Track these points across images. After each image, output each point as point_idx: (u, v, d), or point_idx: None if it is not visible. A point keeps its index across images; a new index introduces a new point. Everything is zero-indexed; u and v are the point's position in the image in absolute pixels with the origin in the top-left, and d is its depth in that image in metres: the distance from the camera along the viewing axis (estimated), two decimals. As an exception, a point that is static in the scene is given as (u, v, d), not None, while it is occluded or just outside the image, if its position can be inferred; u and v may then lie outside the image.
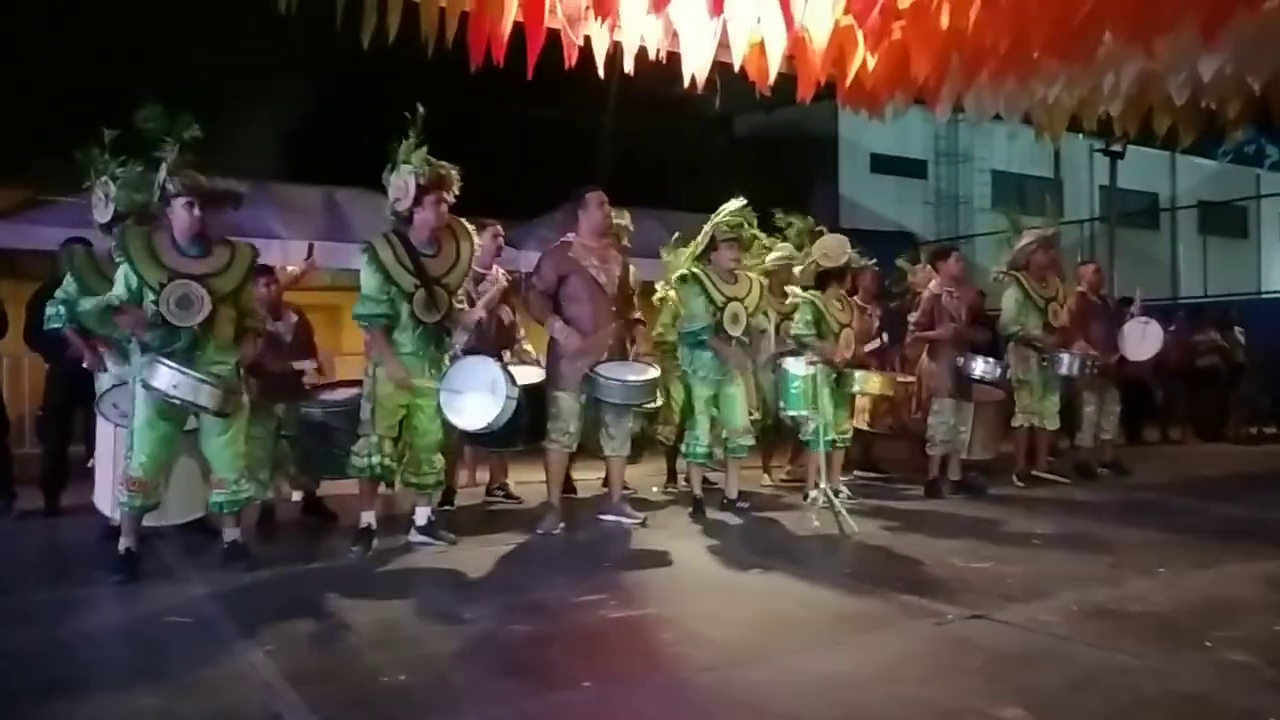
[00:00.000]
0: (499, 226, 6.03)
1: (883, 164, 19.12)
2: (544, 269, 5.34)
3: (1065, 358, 6.82)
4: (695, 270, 5.64)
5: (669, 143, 14.64)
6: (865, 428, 7.16)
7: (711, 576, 4.35)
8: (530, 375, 5.34)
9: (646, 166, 14.18)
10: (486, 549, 4.81)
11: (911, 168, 19.53)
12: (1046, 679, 2.86)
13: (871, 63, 7.25)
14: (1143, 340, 7.37)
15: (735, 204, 5.77)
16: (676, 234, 6.12)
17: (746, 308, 5.67)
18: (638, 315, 5.77)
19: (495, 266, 5.90)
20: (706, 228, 5.75)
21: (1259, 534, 5.11)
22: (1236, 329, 10.92)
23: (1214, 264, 21.55)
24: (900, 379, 6.47)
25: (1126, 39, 6.64)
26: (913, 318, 6.58)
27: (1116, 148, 10.82)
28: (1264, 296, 16.13)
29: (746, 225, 5.82)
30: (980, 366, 6.34)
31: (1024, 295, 6.93)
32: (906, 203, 19.09)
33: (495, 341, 5.74)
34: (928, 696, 2.76)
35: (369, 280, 4.64)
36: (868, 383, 5.91)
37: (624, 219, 6.01)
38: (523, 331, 6.16)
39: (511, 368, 4.88)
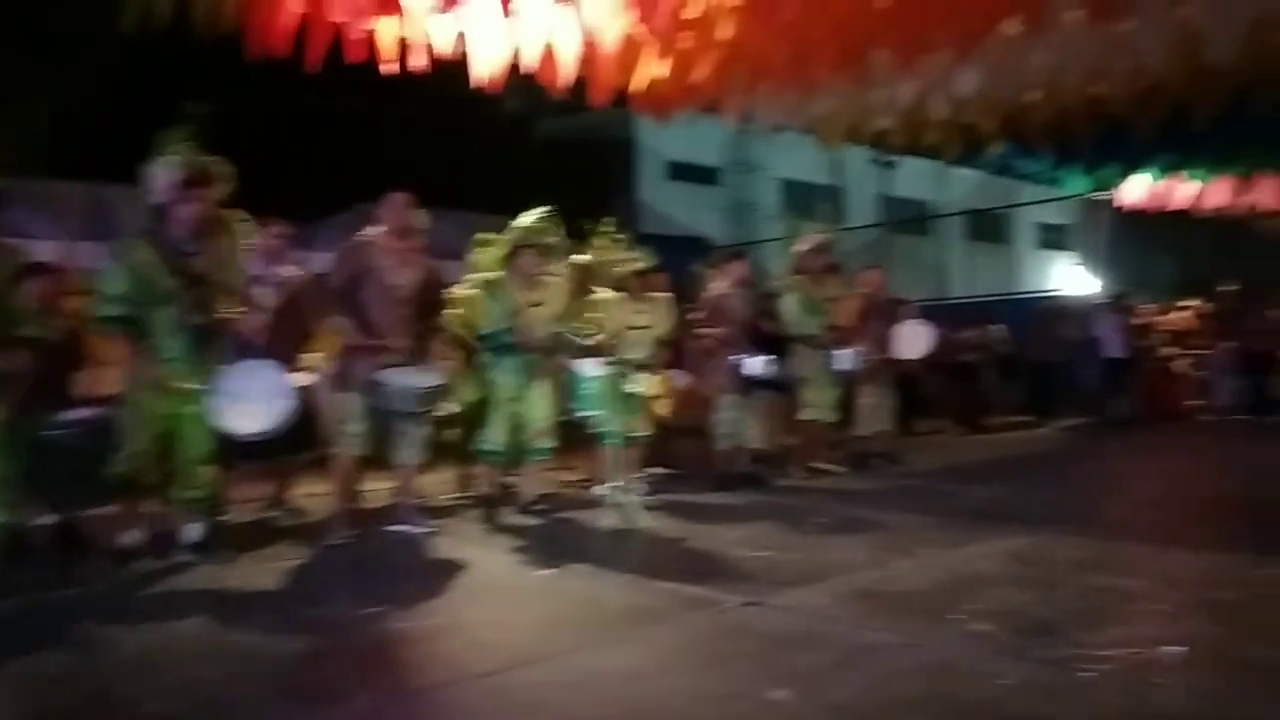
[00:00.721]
0: (282, 226, 5.76)
1: (679, 171, 19.65)
2: (337, 267, 5.16)
3: (844, 355, 7.25)
4: (495, 276, 5.62)
5: (469, 143, 14.47)
6: (667, 424, 7.35)
7: (499, 580, 4.32)
8: (311, 380, 5.13)
9: (446, 166, 13.95)
10: (265, 565, 4.57)
11: (706, 175, 20.16)
12: (813, 659, 3.01)
13: (661, 70, 7.46)
14: (915, 340, 7.94)
15: (539, 211, 5.79)
16: (478, 236, 6.05)
17: (549, 315, 5.70)
18: (439, 321, 5.63)
19: (282, 267, 5.64)
20: (510, 234, 5.74)
21: (1006, 513, 5.58)
22: (995, 326, 11.96)
23: (978, 267, 23.49)
24: (684, 379, 6.67)
25: (896, 56, 7.16)
26: (699, 316, 6.83)
27: (888, 159, 11.57)
28: (1019, 296, 17.71)
29: (550, 232, 5.82)
30: (758, 365, 6.63)
31: (803, 298, 7.30)
32: (701, 209, 19.67)
33: (282, 345, 5.45)
34: (702, 685, 2.85)
35: (115, 281, 4.33)
36: (641, 384, 6.03)
37: (421, 219, 5.88)
38: (315, 334, 5.90)
39: (297, 372, 4.68)
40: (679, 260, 8.69)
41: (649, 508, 5.78)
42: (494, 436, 5.68)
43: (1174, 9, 6.20)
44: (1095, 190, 12.82)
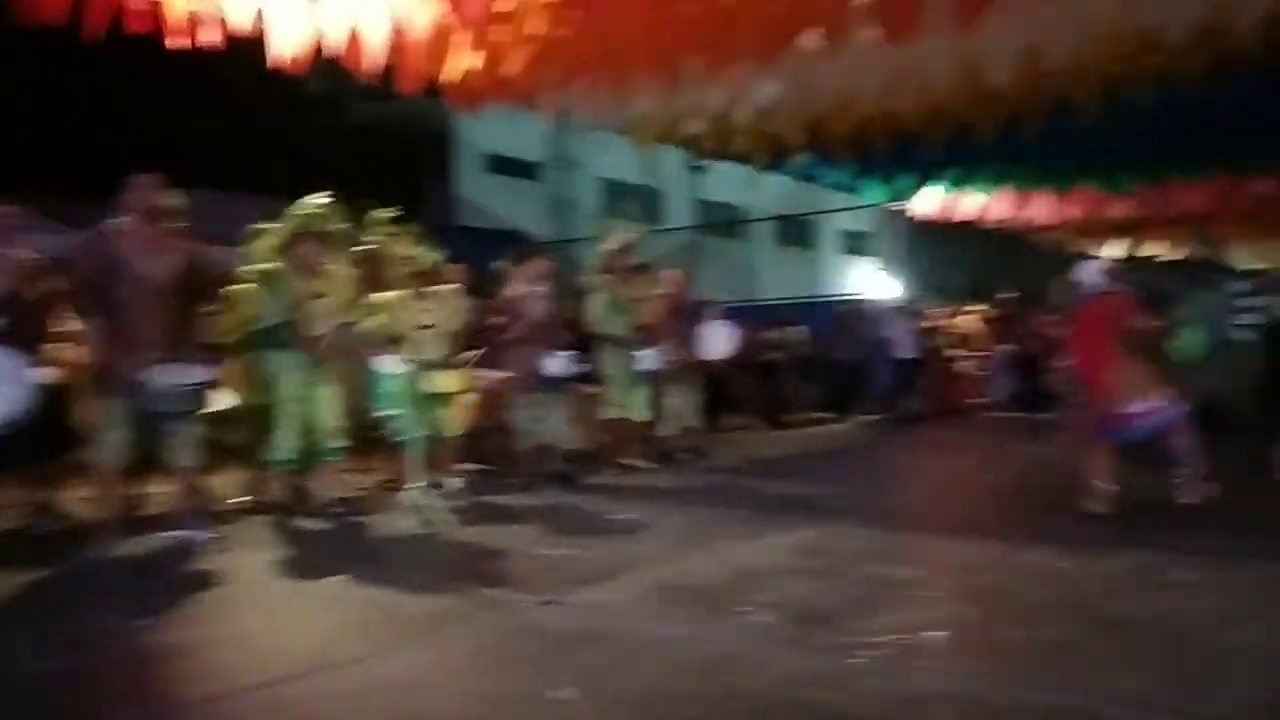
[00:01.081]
0: (8, 206, 5.19)
1: (498, 165, 19.43)
2: (78, 261, 4.72)
3: (648, 354, 7.36)
4: (273, 266, 5.33)
5: (272, 125, 13.77)
6: (473, 424, 7.24)
7: (284, 588, 4.13)
8: (58, 374, 4.70)
9: (247, 149, 13.25)
10: (19, 579, 4.18)
11: (525, 170, 20.04)
12: (601, 656, 3.03)
13: (473, 62, 7.33)
14: (718, 340, 8.16)
15: (319, 197, 5.53)
16: (259, 223, 5.71)
17: (332, 306, 5.45)
18: (206, 309, 5.22)
19: (12, 249, 5.07)
20: (287, 222, 5.45)
21: (800, 506, 5.82)
22: (796, 328, 12.48)
23: (786, 271, 24.45)
24: (486, 377, 6.57)
25: (704, 62, 7.31)
26: (498, 317, 6.77)
27: (700, 163, 11.87)
28: (823, 299, 18.57)
29: (331, 220, 5.57)
30: (556, 364, 6.62)
31: (609, 297, 7.37)
32: (521, 204, 19.56)
33: (16, 332, 4.93)
34: (488, 688, 2.82)
35: None
36: (439, 381, 5.90)
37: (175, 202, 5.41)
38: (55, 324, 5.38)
39: (37, 362, 4.27)
40: (496, 255, 8.59)
41: (452, 509, 5.67)
42: (281, 442, 5.40)
43: (958, 35, 6.61)
44: (892, 200, 13.57)
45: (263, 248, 5.47)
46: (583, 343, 7.47)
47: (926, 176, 11.35)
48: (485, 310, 7.13)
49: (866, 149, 10.04)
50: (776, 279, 23.31)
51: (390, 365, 5.52)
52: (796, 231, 25.80)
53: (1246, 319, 10.32)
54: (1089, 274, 5.53)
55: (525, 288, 6.74)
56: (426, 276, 5.89)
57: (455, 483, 6.20)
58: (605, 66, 7.53)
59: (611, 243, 7.58)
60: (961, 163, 10.66)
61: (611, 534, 5.07)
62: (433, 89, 7.53)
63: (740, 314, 12.46)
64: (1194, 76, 7.71)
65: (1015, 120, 8.85)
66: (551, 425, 6.84)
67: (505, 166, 19.56)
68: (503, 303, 6.87)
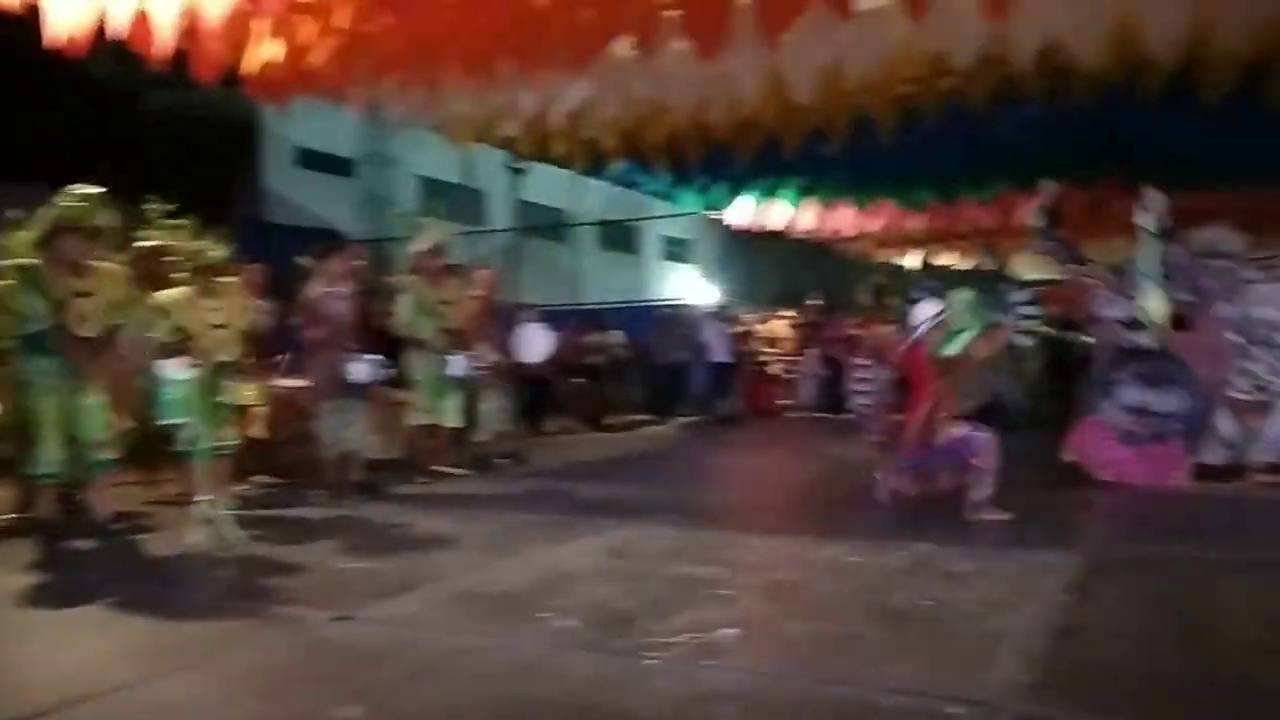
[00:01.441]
0: None
1: (310, 159, 18.65)
2: None
3: (457, 359, 7.20)
4: (30, 263, 4.89)
5: (54, 111, 12.71)
6: (265, 434, 6.90)
7: (52, 612, 3.78)
8: None
9: (28, 136, 12.15)
10: None
11: (339, 166, 19.34)
12: (394, 671, 2.93)
13: (275, 53, 6.99)
14: (535, 344, 8.10)
15: (84, 187, 5.11)
16: (10, 216, 5.20)
17: (99, 306, 5.05)
18: None
19: None
20: (47, 214, 5.01)
21: (613, 508, 5.84)
22: (615, 331, 12.61)
23: (611, 276, 24.66)
24: (283, 384, 6.28)
25: (517, 64, 7.25)
26: (297, 320, 6.48)
27: (519, 165, 11.78)
28: (644, 304, 18.86)
29: (96, 213, 5.15)
30: (360, 369, 6.38)
31: (417, 299, 7.18)
32: (335, 201, 18.83)
33: None
34: (269, 711, 2.67)
35: None
36: (236, 392, 5.59)
37: None
38: None
39: None
40: (307, 254, 8.19)
41: (247, 523, 5.37)
42: (45, 454, 4.95)
43: (764, 51, 6.82)
44: (708, 209, 13.90)
45: (19, 242, 5.00)
46: (391, 346, 7.25)
47: (738, 187, 11.67)
48: (286, 311, 6.81)
49: (680, 158, 10.27)
50: (600, 283, 23.47)
51: (175, 370, 5.15)
52: (620, 237, 26.08)
53: (1026, 325, 11.23)
54: (920, 315, 5.58)
55: (326, 288, 6.45)
56: (212, 273, 5.51)
57: (250, 496, 5.87)
58: (416, 63, 7.36)
59: (421, 242, 7.39)
60: (770, 174, 11.03)
61: (415, 545, 4.92)
62: (233, 79, 7.14)
63: (562, 317, 12.49)
64: (979, 99, 8.31)
65: (819, 135, 9.28)
66: (356, 433, 6.59)
67: (318, 161, 18.80)
68: (303, 304, 6.55)
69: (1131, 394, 6.72)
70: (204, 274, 5.45)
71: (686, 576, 4.01)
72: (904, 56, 7.14)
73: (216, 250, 5.51)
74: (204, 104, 15.56)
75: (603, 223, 23.42)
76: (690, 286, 24.53)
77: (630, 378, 12.65)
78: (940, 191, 11.13)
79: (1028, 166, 10.40)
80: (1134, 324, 6.74)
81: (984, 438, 5.20)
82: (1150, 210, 6.82)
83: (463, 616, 3.54)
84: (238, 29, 6.58)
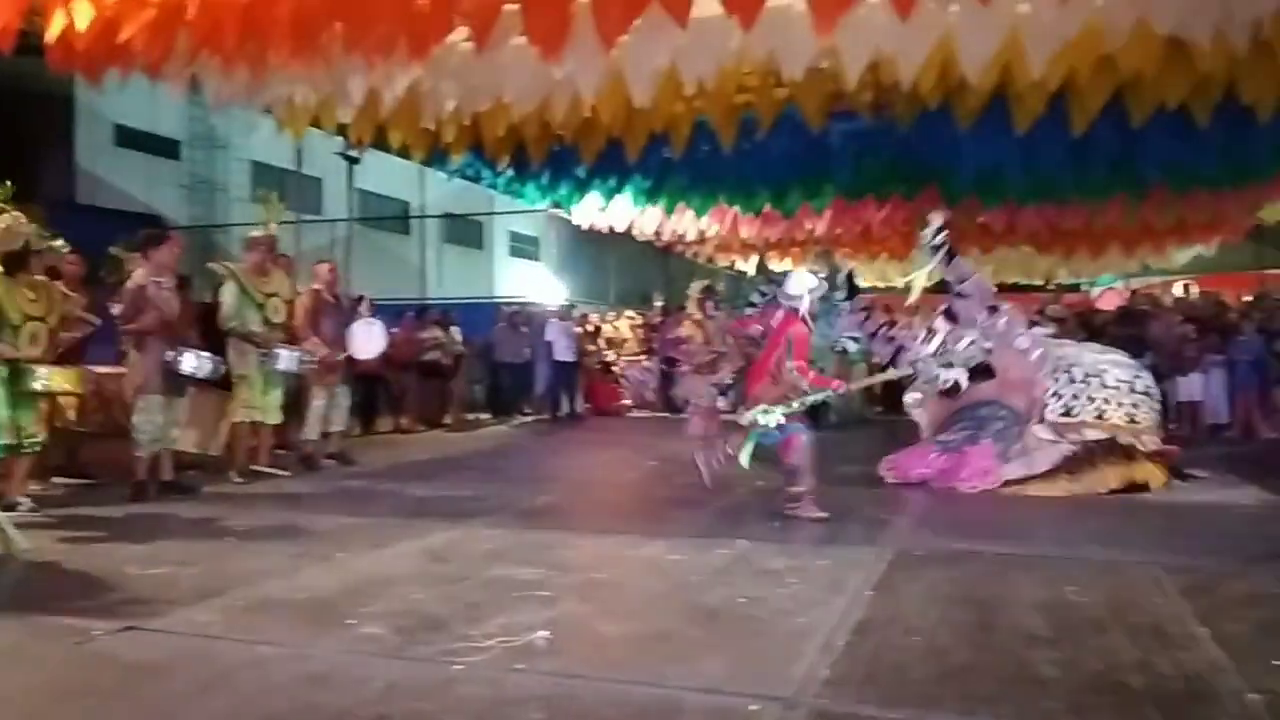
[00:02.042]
0: None
1: (130, 138, 17.49)
2: None
3: (283, 354, 6.87)
4: None
5: None
6: (72, 427, 6.44)
7: None
8: None
9: None
10: None
11: (163, 147, 18.23)
12: (176, 685, 2.75)
13: (80, 22, 6.50)
14: (368, 339, 7.83)
15: None
16: None
17: None
18: None
19: None
20: None
21: (440, 510, 5.71)
22: (454, 328, 12.36)
23: (455, 270, 24.25)
24: (105, 372, 5.86)
25: (348, 49, 6.99)
26: (118, 308, 6.05)
27: (354, 153, 11.38)
28: (488, 300, 18.61)
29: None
30: (190, 361, 6.03)
31: (241, 291, 6.83)
32: (158, 184, 17.76)
33: None
34: (29, 733, 2.45)
35: None
36: (53, 380, 5.21)
37: None
38: None
39: None
40: (124, 240, 7.64)
41: (42, 525, 4.98)
42: None
43: (604, 52, 6.80)
44: (555, 206, 13.82)
45: None
46: (216, 339, 6.86)
47: (583, 186, 11.66)
48: (100, 300, 6.36)
49: (522, 155, 10.17)
50: (444, 278, 23.05)
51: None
52: (466, 231, 25.67)
53: (856, 330, 11.67)
54: (794, 288, 5.58)
55: (153, 276, 6.05)
56: (42, 262, 5.15)
57: (49, 495, 5.45)
58: (239, 40, 6.99)
59: (251, 232, 7.02)
60: (614, 175, 11.08)
61: (222, 549, 4.67)
62: (27, 47, 6.60)
63: (403, 312, 12.17)
64: (812, 110, 8.58)
65: (661, 140, 9.38)
66: (173, 429, 6.21)
67: (139, 141, 17.67)
68: (127, 293, 6.11)
69: (956, 434, 6.83)
70: (30, 260, 5.09)
71: (505, 579, 3.95)
72: (738, 66, 7.30)
73: (55, 239, 5.17)
74: (11, 74, 14.38)
75: (446, 216, 22.97)
76: (537, 283, 24.40)
77: (471, 375, 12.44)
78: (776, 199, 11.44)
79: (857, 178, 10.86)
80: (947, 361, 6.77)
81: (800, 438, 5.34)
82: (929, 232, 7.10)
83: (262, 625, 3.36)
84: (35, -7, 6.10)
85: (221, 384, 6.99)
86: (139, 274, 6.07)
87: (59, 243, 5.80)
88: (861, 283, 11.00)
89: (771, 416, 5.31)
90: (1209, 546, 4.67)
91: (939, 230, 7.05)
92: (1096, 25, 6.43)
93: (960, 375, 6.74)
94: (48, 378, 5.28)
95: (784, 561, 4.24)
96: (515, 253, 27.99)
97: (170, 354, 6.02)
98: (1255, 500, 6.12)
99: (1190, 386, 10.32)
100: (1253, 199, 11.48)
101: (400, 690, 2.71)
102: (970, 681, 2.78)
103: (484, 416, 12.84)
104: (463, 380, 12.25)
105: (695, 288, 8.86)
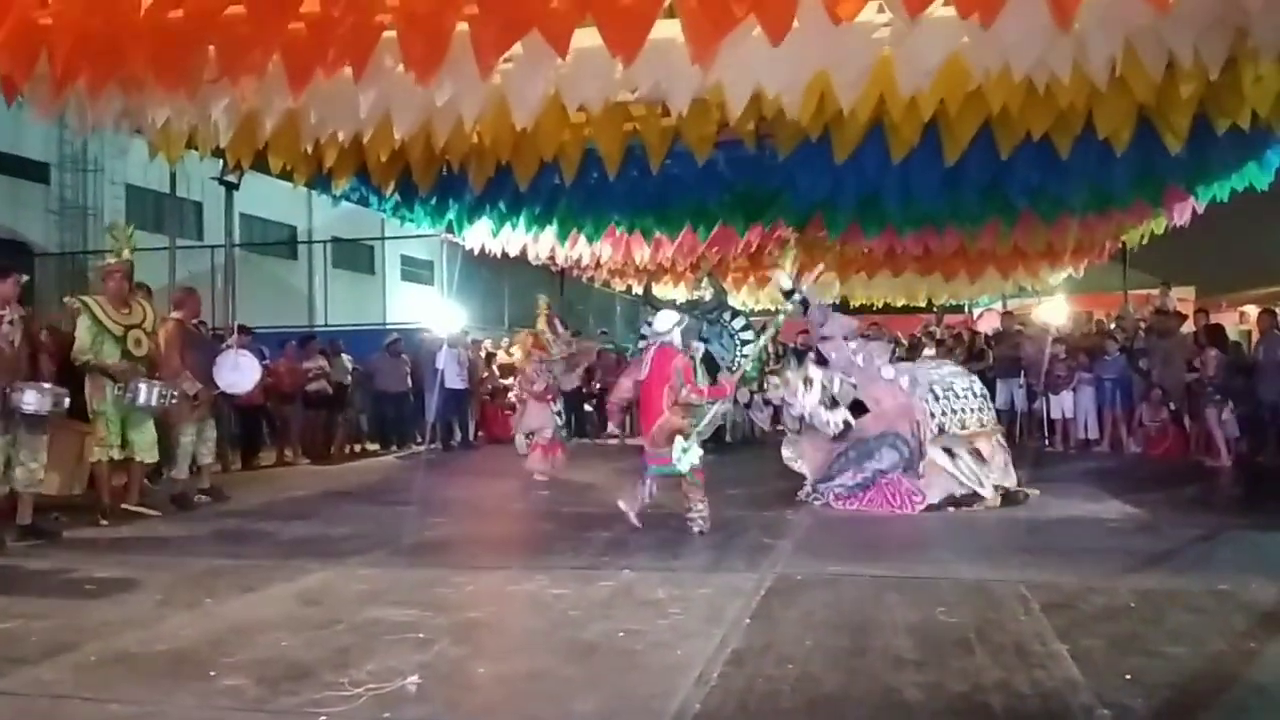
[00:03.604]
0: None
1: (-6, 162, 16.63)
2: None
3: (142, 388, 6.52)
4: None
5: None
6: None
7: None
8: None
9: None
10: None
11: (31, 170, 17.33)
12: (16, 753, 2.58)
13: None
14: (236, 370, 7.53)
15: None
16: None
17: None
18: None
19: None
20: None
21: (316, 550, 5.51)
22: (344, 355, 12.05)
23: (346, 296, 23.66)
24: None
25: (221, 69, 6.79)
26: None
27: (231, 178, 11.02)
28: (376, 327, 18.18)
29: None
30: (31, 398, 5.67)
31: (96, 323, 6.51)
32: (25, 207, 16.86)
33: None
34: None
35: None
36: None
37: None
38: None
39: None
40: None
41: None
42: None
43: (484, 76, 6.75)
44: (446, 230, 13.64)
45: None
46: (73, 374, 6.51)
47: (473, 212, 11.54)
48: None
49: (409, 181, 10.02)
50: (334, 304, 22.48)
51: None
52: (356, 255, 25.13)
53: (747, 350, 11.85)
54: (665, 323, 5.96)
55: (-9, 311, 5.71)
56: None
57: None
58: (103, 62, 6.72)
59: (105, 260, 6.69)
60: (504, 200, 11.00)
61: (79, 599, 4.42)
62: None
63: (285, 340, 11.79)
64: (696, 141, 8.71)
65: (551, 166, 9.36)
66: (24, 471, 5.85)
67: (3, 163, 16.76)
68: None
69: (848, 475, 6.98)
70: None
71: (379, 621, 3.84)
72: (621, 95, 7.34)
73: None
74: None
75: (340, 240, 22.44)
76: (430, 309, 24.01)
77: (359, 405, 12.13)
78: (662, 223, 11.57)
79: (743, 206, 11.06)
80: (833, 403, 6.97)
81: (668, 469, 5.48)
82: (781, 280, 7.32)
83: (117, 681, 3.18)
84: None
85: (82, 420, 6.66)
86: (-18, 307, 5.72)
87: None
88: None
89: (692, 453, 5.51)
90: (1072, 562, 4.87)
91: (790, 292, 7.32)
92: (961, 62, 6.73)
93: (845, 415, 6.90)
94: None
95: (667, 591, 4.24)
96: (408, 277, 27.51)
97: (9, 389, 5.66)
98: (1118, 514, 6.42)
99: (1062, 404, 10.79)
100: (1115, 224, 12.15)
101: (258, 747, 2.60)
102: (839, 708, 2.82)
103: (372, 446, 12.54)
104: (350, 410, 11.93)
105: (541, 303, 8.92)
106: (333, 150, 8.70)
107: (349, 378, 11.84)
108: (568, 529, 6.05)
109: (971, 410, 7.04)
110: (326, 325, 18.24)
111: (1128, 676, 3.03)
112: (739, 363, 11.70)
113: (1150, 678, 3.03)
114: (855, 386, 6.89)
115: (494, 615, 3.96)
